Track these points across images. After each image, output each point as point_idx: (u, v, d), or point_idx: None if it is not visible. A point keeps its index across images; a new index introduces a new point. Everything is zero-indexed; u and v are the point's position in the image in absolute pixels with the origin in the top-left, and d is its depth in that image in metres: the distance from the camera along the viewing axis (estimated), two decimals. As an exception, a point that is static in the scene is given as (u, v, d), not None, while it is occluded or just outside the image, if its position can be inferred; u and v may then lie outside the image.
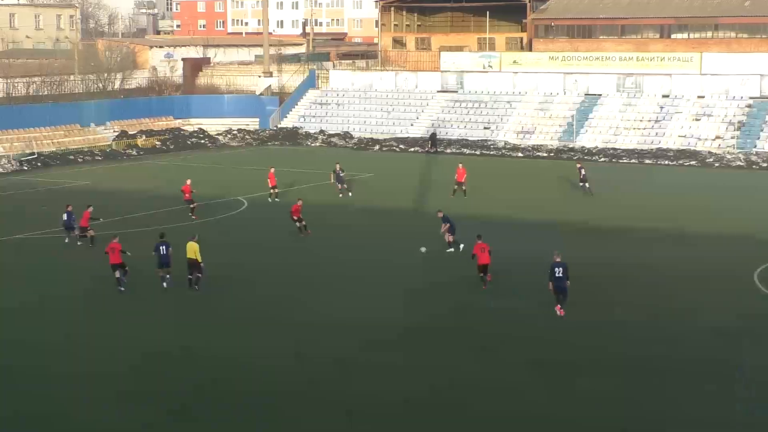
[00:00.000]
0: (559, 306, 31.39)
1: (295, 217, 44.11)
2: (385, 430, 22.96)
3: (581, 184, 55.70)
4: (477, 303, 33.24)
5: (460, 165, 56.95)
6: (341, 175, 56.00)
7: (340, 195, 55.07)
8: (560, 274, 31.22)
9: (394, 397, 24.67)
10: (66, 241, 42.69)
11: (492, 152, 76.80)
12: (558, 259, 31.50)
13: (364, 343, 28.92)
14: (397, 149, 79.56)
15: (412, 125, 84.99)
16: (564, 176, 59.22)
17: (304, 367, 26.90)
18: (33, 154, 72.61)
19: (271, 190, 54.18)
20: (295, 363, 27.15)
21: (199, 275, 34.63)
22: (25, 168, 69.49)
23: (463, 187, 54.98)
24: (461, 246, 40.13)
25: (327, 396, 24.78)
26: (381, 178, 63.43)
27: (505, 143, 78.94)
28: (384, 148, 79.95)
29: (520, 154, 75.86)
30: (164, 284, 35.05)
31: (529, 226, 47.02)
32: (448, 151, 76.74)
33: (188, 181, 49.92)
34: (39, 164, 70.78)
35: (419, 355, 27.86)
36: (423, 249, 39.97)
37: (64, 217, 42.49)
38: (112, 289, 34.85)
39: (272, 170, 55.33)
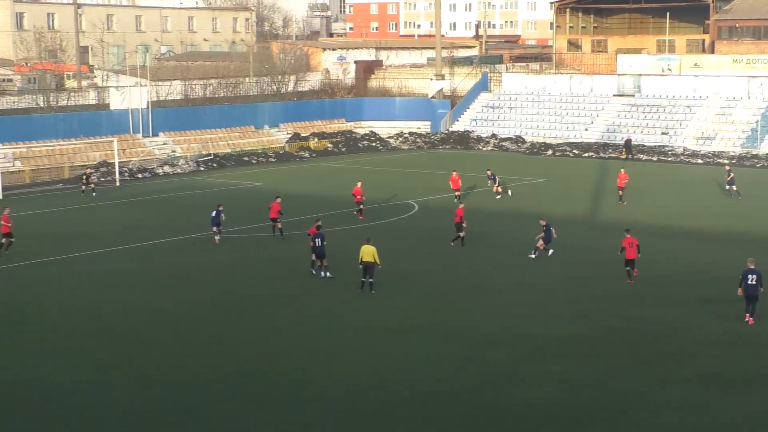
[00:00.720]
0: (748, 315, 31.18)
1: (458, 222, 44.15)
2: (552, 436, 23.27)
3: (727, 186, 56.51)
4: (642, 314, 33.07)
5: (622, 170, 57.08)
6: (494, 178, 57.87)
7: (498, 197, 56.43)
8: (753, 282, 30.98)
9: (557, 406, 24.92)
10: (216, 239, 44.49)
11: (670, 158, 75.63)
12: (752, 266, 31.25)
13: (525, 353, 29.13)
14: (571, 154, 79.21)
15: (586, 130, 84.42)
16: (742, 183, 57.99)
17: (465, 374, 27.46)
18: (209, 155, 75.48)
19: (455, 193, 55.18)
20: (457, 370, 27.68)
21: (372, 280, 35.57)
22: (202, 168, 72.31)
23: (620, 192, 55.27)
24: (550, 252, 41.24)
25: (488, 405, 25.09)
26: (553, 184, 63.36)
27: (684, 149, 77.58)
28: (557, 153, 79.70)
29: (699, 161, 74.44)
30: (323, 274, 37.42)
31: (697, 234, 46.40)
32: (623, 156, 75.99)
33: (359, 183, 51.24)
34: (214, 165, 73.54)
35: (583, 366, 27.89)
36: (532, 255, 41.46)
37: (213, 214, 44.67)
38: (281, 284, 36.32)
39: (455, 173, 56.18)
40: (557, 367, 27.76)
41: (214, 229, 44.64)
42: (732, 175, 56.93)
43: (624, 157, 75.86)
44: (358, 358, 28.70)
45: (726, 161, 71.27)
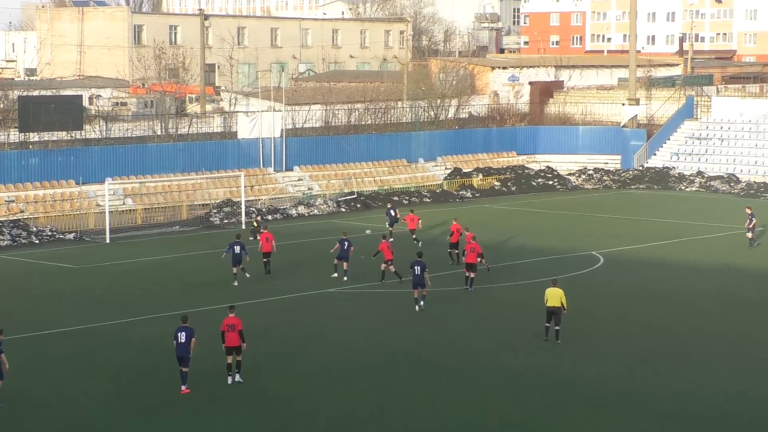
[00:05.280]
0: None
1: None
2: None
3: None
4: None
5: None
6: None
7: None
8: None
9: None
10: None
11: None
12: None
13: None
14: (798, 197, 77.16)
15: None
16: None
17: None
18: (352, 193, 76.06)
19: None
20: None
21: (558, 327, 36.84)
22: (343, 209, 72.86)
23: None
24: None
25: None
26: (773, 234, 61.66)
27: None
28: (780, 196, 77.85)
29: None
30: (420, 302, 42.06)
31: None
32: None
33: (458, 222, 50.29)
34: (358, 205, 74.02)
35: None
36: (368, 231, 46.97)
37: (236, 250, 47.53)
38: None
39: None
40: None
41: (235, 270, 47.58)
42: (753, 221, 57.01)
43: None
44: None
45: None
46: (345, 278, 48.38)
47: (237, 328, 32.88)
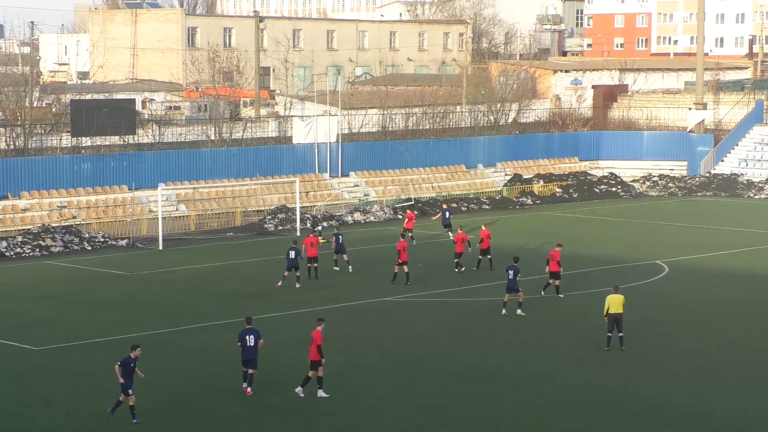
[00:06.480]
0: None
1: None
2: None
3: None
4: None
5: None
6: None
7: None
8: None
9: None
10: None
11: None
12: None
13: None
14: None
15: None
16: None
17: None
18: (409, 199, 76.26)
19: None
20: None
21: (621, 334, 37.16)
22: (400, 216, 72.98)
23: None
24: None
25: None
26: None
27: None
28: None
29: None
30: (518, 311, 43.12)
31: None
32: None
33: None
34: (415, 212, 73.93)
35: None
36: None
37: (291, 255, 48.73)
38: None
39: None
40: None
41: (286, 273, 48.85)
42: None
43: None
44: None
45: None
46: (350, 269, 52.59)
47: (315, 342, 32.85)
